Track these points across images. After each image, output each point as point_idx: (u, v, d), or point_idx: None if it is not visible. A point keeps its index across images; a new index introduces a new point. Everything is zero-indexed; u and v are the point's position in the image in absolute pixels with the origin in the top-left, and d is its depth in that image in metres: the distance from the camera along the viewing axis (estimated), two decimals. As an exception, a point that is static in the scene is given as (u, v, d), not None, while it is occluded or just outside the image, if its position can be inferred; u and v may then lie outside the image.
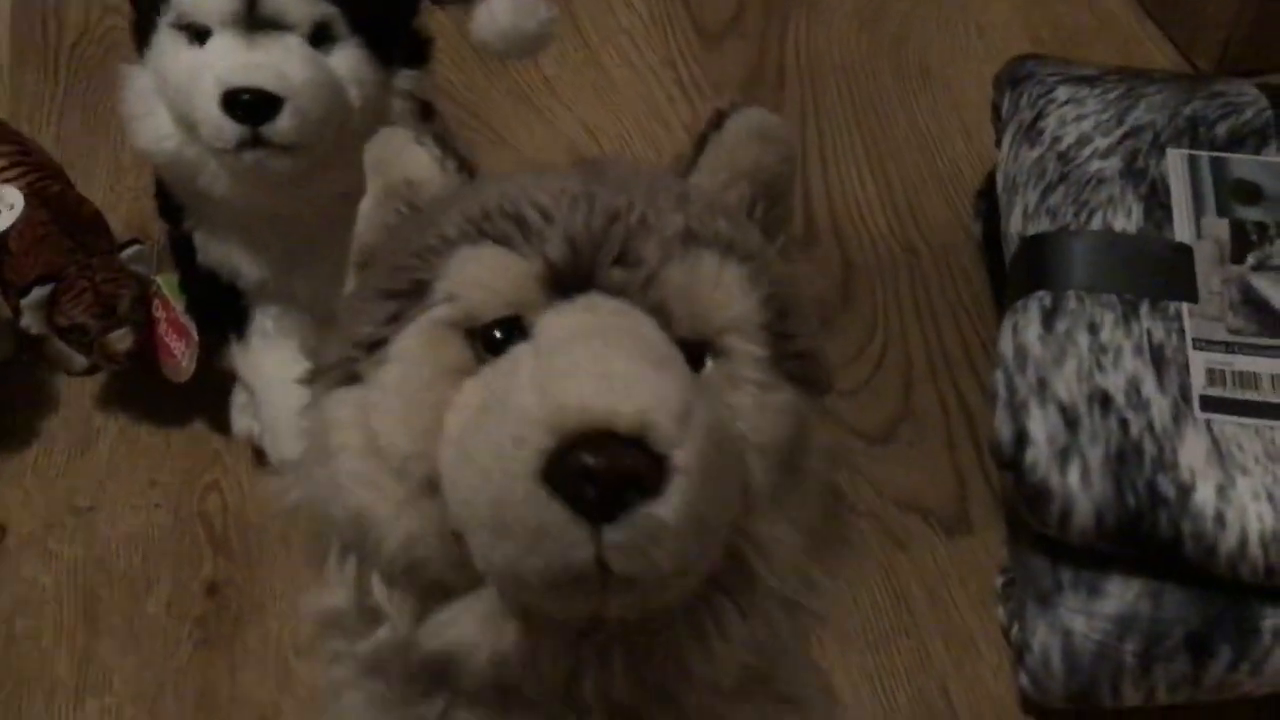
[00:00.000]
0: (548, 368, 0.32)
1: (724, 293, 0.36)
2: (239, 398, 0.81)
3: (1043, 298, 0.72)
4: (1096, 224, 0.75)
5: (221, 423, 0.83)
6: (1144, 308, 0.71)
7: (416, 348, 0.35)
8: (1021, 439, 0.68)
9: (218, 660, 0.74)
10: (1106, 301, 0.72)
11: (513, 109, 1.05)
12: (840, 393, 0.87)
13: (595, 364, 0.32)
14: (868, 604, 0.76)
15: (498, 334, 0.35)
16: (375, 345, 0.36)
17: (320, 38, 0.64)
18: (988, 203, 0.90)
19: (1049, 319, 0.71)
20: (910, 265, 0.95)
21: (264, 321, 0.75)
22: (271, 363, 0.75)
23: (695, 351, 0.35)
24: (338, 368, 0.38)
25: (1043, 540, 0.70)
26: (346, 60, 0.65)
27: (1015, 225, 0.78)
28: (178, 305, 0.79)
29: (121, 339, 0.78)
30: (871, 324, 0.91)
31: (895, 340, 0.90)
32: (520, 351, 0.34)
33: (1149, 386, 0.68)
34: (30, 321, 0.78)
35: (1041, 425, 0.68)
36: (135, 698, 0.73)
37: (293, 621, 0.76)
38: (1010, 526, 0.75)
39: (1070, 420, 0.68)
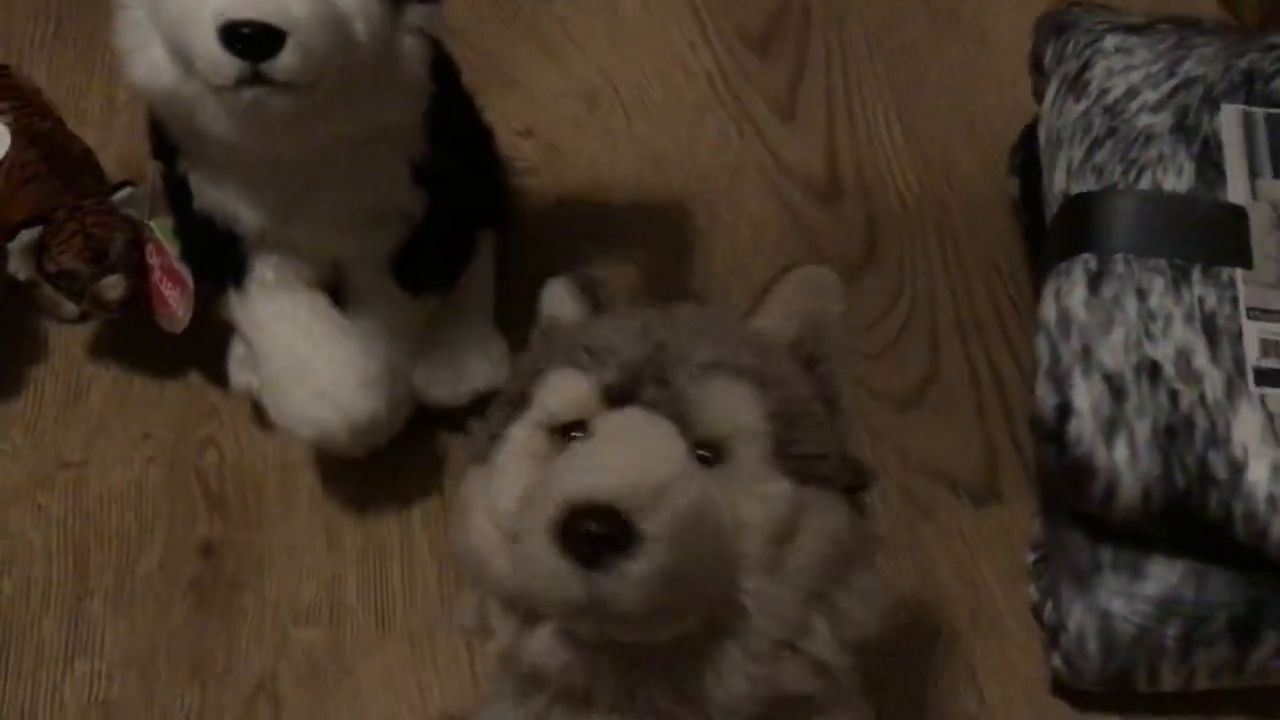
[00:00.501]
0: (574, 461, 0.46)
1: (733, 407, 0.48)
2: (237, 350, 0.78)
3: (1088, 261, 0.68)
4: (1145, 183, 0.71)
5: (219, 375, 0.80)
6: (1195, 273, 0.67)
7: (518, 439, 0.50)
8: (1064, 410, 0.64)
9: (212, 624, 0.71)
10: (1155, 266, 0.68)
11: (525, 50, 1.01)
12: (864, 355, 0.83)
13: (599, 458, 0.45)
14: (890, 576, 0.72)
15: (573, 433, 0.48)
16: (497, 436, 0.50)
17: None
18: (1025, 158, 0.86)
19: (1095, 283, 0.68)
20: (939, 222, 0.91)
21: (263, 271, 0.71)
22: (271, 315, 0.72)
23: (710, 452, 0.47)
24: (477, 453, 0.52)
25: (1081, 517, 0.66)
26: (353, -8, 0.60)
27: (1058, 183, 0.74)
28: (172, 251, 0.75)
29: (113, 286, 0.74)
30: (898, 284, 0.87)
31: (923, 301, 0.86)
32: (573, 447, 0.47)
33: (1200, 357, 0.65)
34: (18, 266, 0.75)
35: (1086, 396, 0.64)
36: (125, 661, 0.70)
37: (291, 585, 0.73)
38: (1045, 500, 0.71)
39: (1117, 391, 0.64)
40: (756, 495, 0.47)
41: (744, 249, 0.90)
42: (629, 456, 0.45)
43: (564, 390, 0.48)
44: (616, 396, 0.47)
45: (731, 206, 0.92)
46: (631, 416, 0.47)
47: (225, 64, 0.58)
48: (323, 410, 0.69)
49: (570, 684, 0.48)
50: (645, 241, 0.90)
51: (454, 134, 0.72)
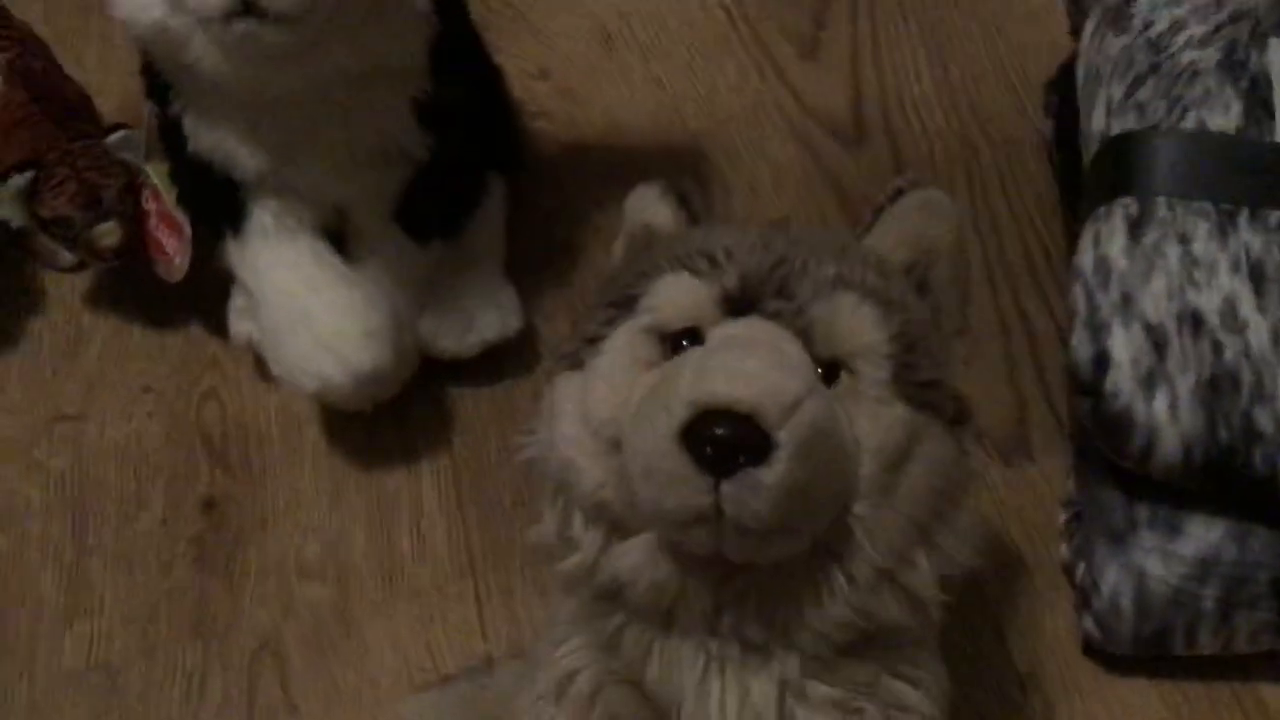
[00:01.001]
0: (701, 363, 0.43)
1: (857, 326, 0.46)
2: (237, 300, 0.75)
3: (1128, 205, 0.65)
4: (1190, 122, 0.67)
5: (220, 326, 0.77)
6: (1242, 218, 0.64)
7: (622, 344, 0.47)
8: (1102, 362, 0.61)
9: (215, 582, 0.69)
10: (1200, 210, 0.64)
11: (537, -14, 0.97)
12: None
13: (733, 363, 0.43)
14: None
15: (683, 341, 0.46)
16: (596, 340, 0.48)
17: None
18: (1060, 97, 0.82)
19: (1135, 229, 0.64)
20: (969, 166, 0.87)
21: (262, 218, 0.68)
22: (271, 263, 0.69)
23: (831, 369, 0.46)
24: (569, 356, 0.49)
25: (1116, 473, 0.63)
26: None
27: (1097, 122, 0.70)
28: (169, 197, 0.72)
29: (108, 233, 0.72)
30: (926, 230, 0.84)
31: (951, 248, 0.83)
32: (690, 351, 0.45)
33: (1246, 307, 0.61)
34: (9, 212, 0.72)
35: (1125, 347, 0.61)
36: (126, 620, 0.68)
37: (296, 542, 0.70)
38: (1078, 456, 0.68)
39: (1158, 342, 0.61)
40: (876, 417, 0.45)
41: (764, 193, 0.86)
42: (759, 363, 0.43)
43: (679, 295, 0.46)
44: (737, 306, 0.46)
45: (752, 149, 0.89)
46: (755, 325, 0.45)
47: (213, -11, 0.55)
48: (325, 361, 0.67)
49: (655, 602, 0.46)
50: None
51: (460, 72, 0.69)
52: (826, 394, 0.44)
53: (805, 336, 0.45)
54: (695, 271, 0.46)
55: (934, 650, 0.51)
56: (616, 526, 0.46)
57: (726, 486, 0.41)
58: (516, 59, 0.90)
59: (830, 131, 0.89)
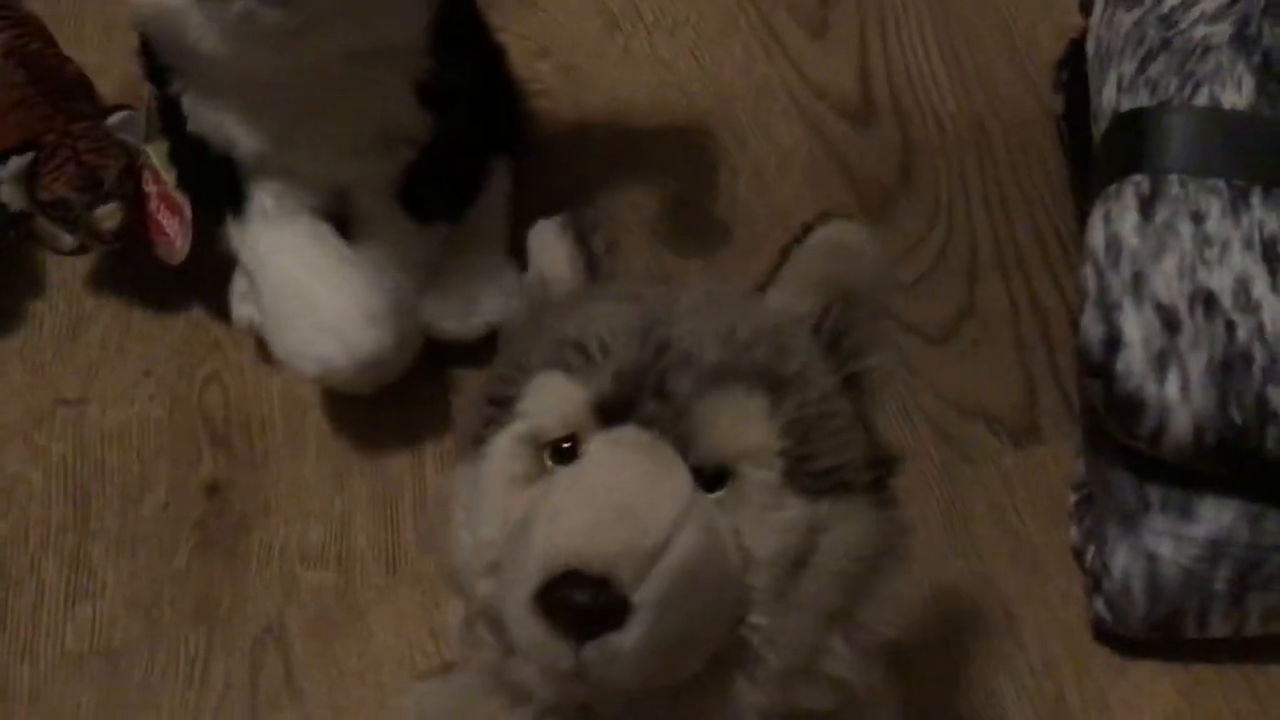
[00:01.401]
0: (557, 511, 0.40)
1: (743, 425, 0.42)
2: (239, 284, 0.74)
3: (1139, 182, 0.64)
4: (1202, 99, 0.66)
5: (222, 309, 0.77)
6: (1255, 196, 0.62)
7: (499, 455, 0.44)
8: (1113, 342, 0.60)
9: (218, 567, 0.69)
10: (1213, 187, 0.63)
11: (541, -34, 0.96)
12: (898, 286, 0.79)
13: (589, 513, 0.40)
14: (925, 520, 0.69)
15: (564, 445, 0.43)
16: (479, 441, 0.45)
17: None
18: (1071, 74, 0.80)
19: (1147, 207, 0.63)
20: (978, 145, 0.86)
21: (263, 200, 0.68)
22: (272, 246, 0.68)
23: (715, 474, 0.42)
24: (463, 447, 0.46)
25: (1127, 455, 0.62)
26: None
27: (1108, 99, 0.69)
28: (169, 179, 0.71)
29: (109, 216, 0.71)
30: (934, 210, 0.83)
31: (960, 228, 0.82)
32: (559, 477, 0.42)
33: (1260, 286, 0.60)
34: (10, 195, 0.71)
35: (1137, 327, 0.60)
36: (128, 604, 0.67)
37: (299, 527, 0.70)
38: (1088, 438, 0.67)
39: (1169, 322, 0.60)
40: (766, 524, 0.41)
41: (770, 175, 0.85)
42: (618, 506, 0.39)
43: (552, 402, 0.42)
44: (610, 412, 0.42)
45: (758, 130, 0.88)
46: (625, 443, 0.41)
47: (210, -30, 0.54)
48: (327, 345, 0.66)
49: (563, 706, 0.43)
50: (668, 167, 0.86)
51: (462, 51, 0.68)
52: (703, 513, 0.40)
53: (684, 442, 0.41)
54: (569, 369, 0.42)
55: (881, 703, 0.48)
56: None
57: (586, 651, 0.39)
58: (518, 37, 0.89)
59: (838, 112, 0.88)
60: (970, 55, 0.90)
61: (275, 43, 0.58)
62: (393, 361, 0.68)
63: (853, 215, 0.45)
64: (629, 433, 0.41)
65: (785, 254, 0.45)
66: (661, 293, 0.45)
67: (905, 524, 0.45)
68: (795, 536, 0.41)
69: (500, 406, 0.44)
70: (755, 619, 0.42)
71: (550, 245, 0.47)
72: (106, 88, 0.84)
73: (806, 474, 0.42)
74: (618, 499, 0.40)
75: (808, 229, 0.45)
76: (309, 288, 0.67)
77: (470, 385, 0.50)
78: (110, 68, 0.88)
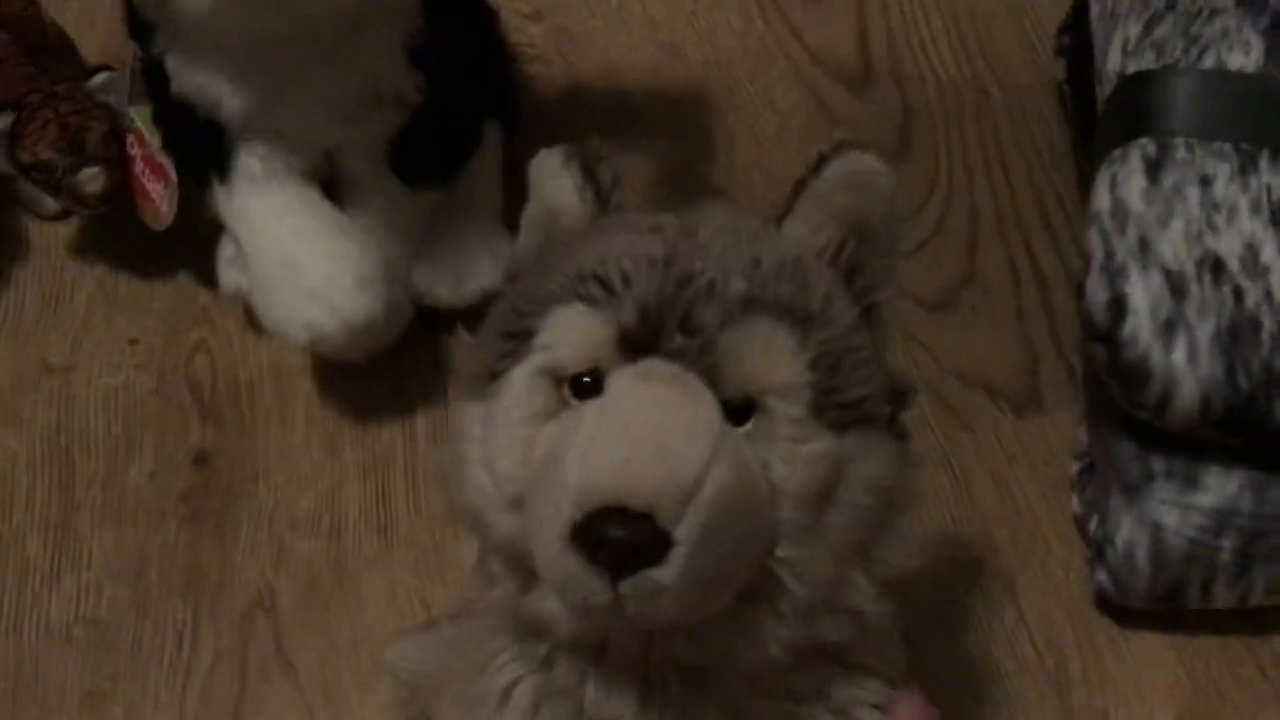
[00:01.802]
0: (588, 446, 0.39)
1: (772, 358, 0.41)
2: (226, 249, 0.73)
3: (1145, 145, 0.63)
4: (1209, 61, 0.65)
5: (209, 276, 0.75)
6: (1264, 159, 0.61)
7: (517, 389, 0.42)
8: (1119, 308, 0.59)
9: (206, 537, 0.67)
10: (1220, 151, 0.62)
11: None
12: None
13: (624, 447, 0.39)
14: (925, 490, 0.68)
15: (585, 379, 0.42)
16: (495, 375, 0.43)
17: None
18: (1073, 38, 0.79)
19: (1153, 170, 0.62)
20: (978, 109, 0.85)
21: (250, 163, 0.66)
22: (259, 210, 0.67)
23: (742, 407, 0.41)
24: (470, 383, 0.45)
25: (1131, 424, 0.62)
26: None
27: (1113, 62, 0.68)
28: (154, 142, 0.70)
29: (92, 179, 0.69)
30: (933, 176, 0.82)
31: (960, 194, 0.81)
32: (585, 410, 0.41)
33: (1268, 251, 0.59)
34: (-10, 156, 0.70)
35: (1143, 293, 0.59)
36: (115, 576, 0.66)
37: (289, 496, 0.69)
38: (1091, 407, 0.66)
39: (1176, 288, 0.59)
40: (795, 457, 0.41)
41: (768, 140, 0.84)
42: (653, 441, 0.39)
43: (572, 335, 0.42)
44: (636, 344, 0.41)
45: (754, 94, 0.86)
46: (653, 376, 0.40)
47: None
48: (316, 312, 0.65)
49: (580, 641, 0.43)
50: (662, 133, 0.84)
51: (454, 11, 0.66)
52: (734, 447, 0.40)
53: (712, 375, 0.41)
54: (590, 301, 0.41)
55: (888, 642, 0.48)
56: (533, 573, 0.43)
57: (624, 586, 0.38)
58: (510, -1, 0.88)
59: (836, 76, 0.87)
60: (970, 19, 0.89)
61: (259, 2, 0.56)
62: (383, 329, 0.67)
63: (868, 146, 0.45)
64: (656, 365, 0.41)
65: (801, 185, 0.44)
66: (680, 223, 0.44)
67: (916, 458, 0.45)
68: (823, 469, 0.41)
69: (516, 339, 0.43)
70: (783, 552, 0.41)
71: (555, 175, 0.46)
72: (89, 48, 0.82)
73: (833, 407, 0.42)
74: (652, 433, 0.39)
75: (823, 159, 0.44)
76: (297, 253, 0.65)
77: (468, 330, 0.47)
78: (92, 27, 0.86)
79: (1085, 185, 0.76)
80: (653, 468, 0.38)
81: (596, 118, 0.85)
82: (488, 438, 0.43)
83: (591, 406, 0.41)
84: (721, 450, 0.40)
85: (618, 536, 0.38)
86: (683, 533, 0.38)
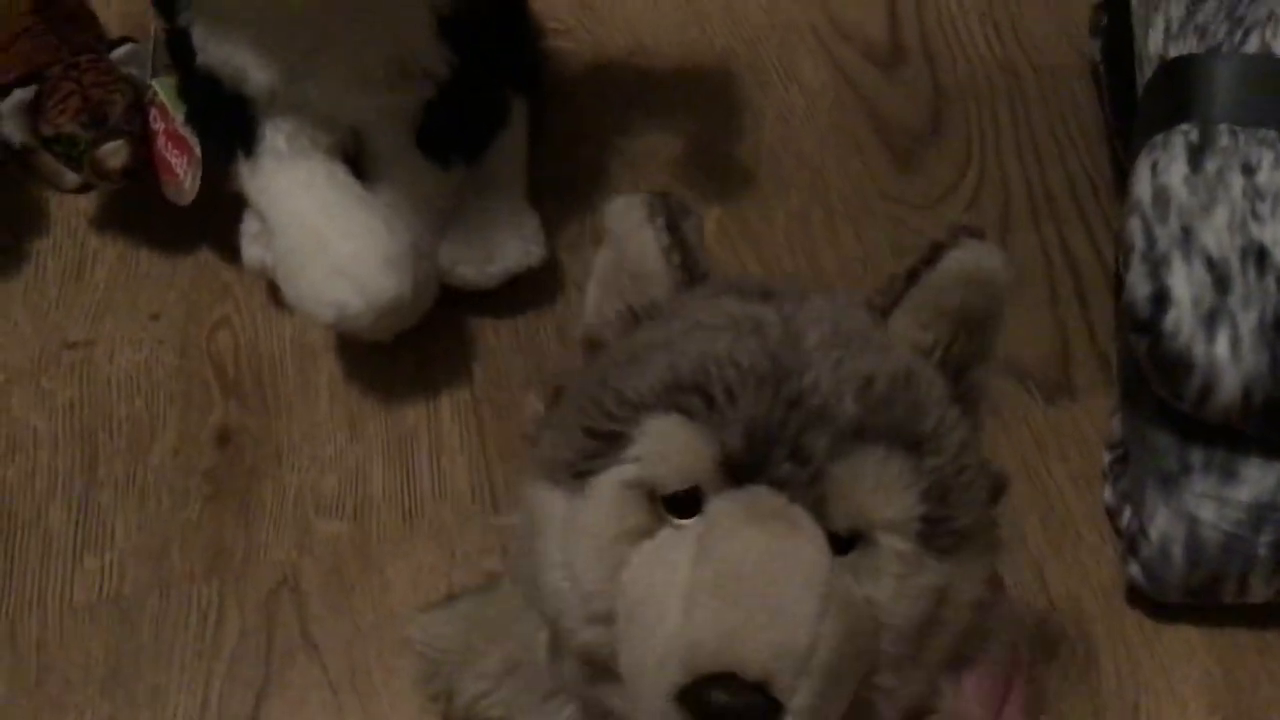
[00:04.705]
0: (694, 599, 0.37)
1: (883, 493, 0.39)
2: (250, 225, 0.72)
3: (1188, 131, 0.61)
4: (1253, 45, 0.63)
5: (232, 251, 0.74)
6: (1309, 147, 0.60)
7: (607, 501, 0.40)
8: (1161, 299, 0.58)
9: (229, 516, 0.67)
10: (1264, 138, 0.61)
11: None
12: (925, 236, 0.77)
13: (734, 608, 0.37)
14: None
15: (680, 501, 0.39)
16: (579, 474, 0.41)
17: None
18: (1110, 17, 0.78)
19: (1196, 157, 0.61)
20: (1010, 90, 0.83)
21: (275, 138, 0.65)
22: (285, 186, 0.66)
23: (847, 537, 0.39)
24: (549, 467, 0.42)
25: (1168, 415, 0.61)
26: None
27: (1154, 45, 0.67)
28: (177, 115, 0.69)
29: (115, 153, 0.69)
30: (964, 158, 0.80)
31: (991, 177, 0.80)
32: (685, 541, 0.39)
33: (1314, 241, 0.58)
34: (11, 129, 0.69)
35: (1185, 284, 0.58)
36: (138, 553, 0.66)
37: (313, 476, 0.68)
38: (1127, 396, 0.65)
39: (1220, 279, 0.58)
40: (903, 592, 0.39)
41: (796, 118, 0.83)
42: (765, 601, 0.37)
43: (671, 452, 0.39)
44: (739, 470, 0.38)
45: (783, 72, 0.85)
46: (761, 513, 0.38)
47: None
48: (342, 289, 0.64)
49: None
50: (689, 110, 0.83)
51: (484, -15, 0.65)
52: (844, 595, 0.38)
53: (819, 508, 0.38)
54: (690, 413, 0.39)
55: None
56: (610, 671, 0.41)
57: None
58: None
59: (865, 54, 0.86)
60: (1003, -3, 0.87)
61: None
62: (409, 307, 0.66)
63: (984, 232, 0.42)
64: (763, 496, 0.38)
65: (913, 276, 0.41)
66: (783, 317, 0.41)
67: (1002, 545, 0.44)
68: (930, 601, 0.40)
69: (605, 441, 0.40)
70: (881, 680, 0.40)
71: (636, 231, 0.43)
72: (109, 17, 0.81)
73: (942, 534, 0.40)
74: (763, 590, 0.37)
75: (938, 249, 0.41)
76: (323, 230, 0.64)
77: (542, 392, 0.45)
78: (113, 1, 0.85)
79: (1119, 170, 0.76)
80: (766, 633, 0.36)
81: (622, 94, 0.84)
82: (571, 545, 0.40)
83: (693, 542, 0.38)
84: (833, 602, 0.38)
85: (731, 707, 0.36)
86: (797, 703, 0.37)
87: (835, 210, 0.79)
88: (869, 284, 0.73)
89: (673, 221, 0.42)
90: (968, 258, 0.41)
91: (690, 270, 0.43)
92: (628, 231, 0.43)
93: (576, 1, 0.88)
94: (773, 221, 0.78)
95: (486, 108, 0.71)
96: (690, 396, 0.39)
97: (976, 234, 0.41)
